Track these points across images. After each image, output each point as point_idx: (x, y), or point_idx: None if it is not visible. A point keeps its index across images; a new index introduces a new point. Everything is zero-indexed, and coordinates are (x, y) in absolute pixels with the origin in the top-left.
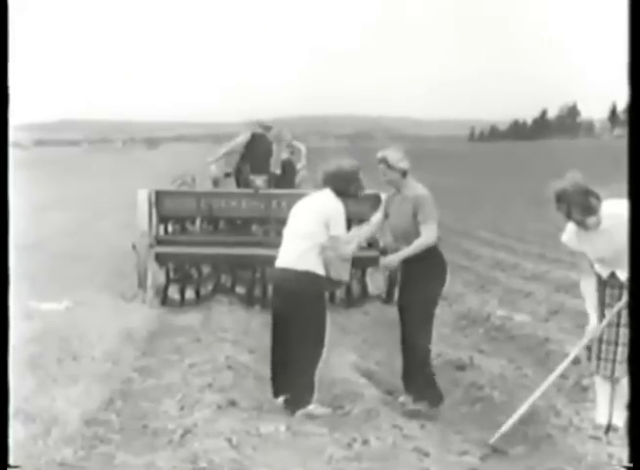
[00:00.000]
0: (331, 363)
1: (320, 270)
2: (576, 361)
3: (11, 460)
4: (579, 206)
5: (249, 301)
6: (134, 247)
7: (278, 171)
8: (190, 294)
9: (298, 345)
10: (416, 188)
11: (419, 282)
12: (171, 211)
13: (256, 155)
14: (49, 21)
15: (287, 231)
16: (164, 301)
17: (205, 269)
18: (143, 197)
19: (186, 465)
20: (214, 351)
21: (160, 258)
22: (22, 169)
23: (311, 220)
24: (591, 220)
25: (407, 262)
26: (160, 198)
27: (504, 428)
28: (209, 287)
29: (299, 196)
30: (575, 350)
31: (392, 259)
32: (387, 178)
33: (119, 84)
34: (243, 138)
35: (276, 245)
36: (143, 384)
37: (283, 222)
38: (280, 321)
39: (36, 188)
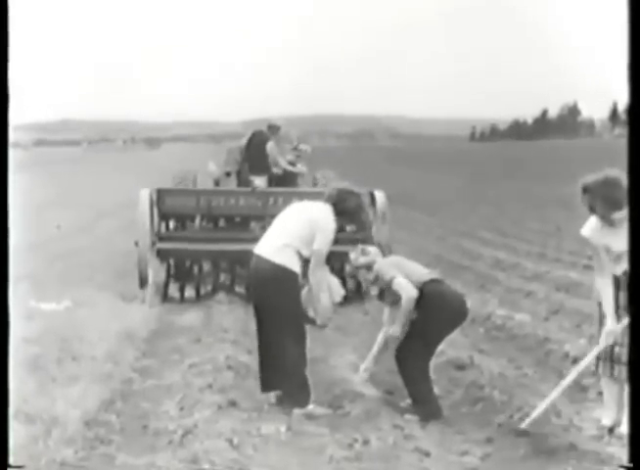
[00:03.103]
0: (331, 363)
1: (295, 267)
2: (576, 361)
3: (11, 460)
4: (604, 199)
5: (248, 298)
6: (136, 243)
7: (279, 172)
8: (190, 291)
9: (278, 339)
10: (379, 262)
11: (415, 325)
12: (172, 209)
13: (254, 153)
14: (49, 21)
15: (275, 222)
16: (165, 297)
17: (206, 267)
18: (145, 195)
19: (186, 466)
20: (215, 351)
21: (162, 254)
22: (22, 170)
23: (301, 225)
24: (616, 216)
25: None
26: (161, 196)
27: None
28: (209, 287)
29: (295, 194)
30: (593, 352)
31: (395, 329)
32: (369, 280)
33: (120, 84)
34: (244, 139)
35: None
36: (143, 384)
37: None
38: (258, 313)
39: (36, 188)
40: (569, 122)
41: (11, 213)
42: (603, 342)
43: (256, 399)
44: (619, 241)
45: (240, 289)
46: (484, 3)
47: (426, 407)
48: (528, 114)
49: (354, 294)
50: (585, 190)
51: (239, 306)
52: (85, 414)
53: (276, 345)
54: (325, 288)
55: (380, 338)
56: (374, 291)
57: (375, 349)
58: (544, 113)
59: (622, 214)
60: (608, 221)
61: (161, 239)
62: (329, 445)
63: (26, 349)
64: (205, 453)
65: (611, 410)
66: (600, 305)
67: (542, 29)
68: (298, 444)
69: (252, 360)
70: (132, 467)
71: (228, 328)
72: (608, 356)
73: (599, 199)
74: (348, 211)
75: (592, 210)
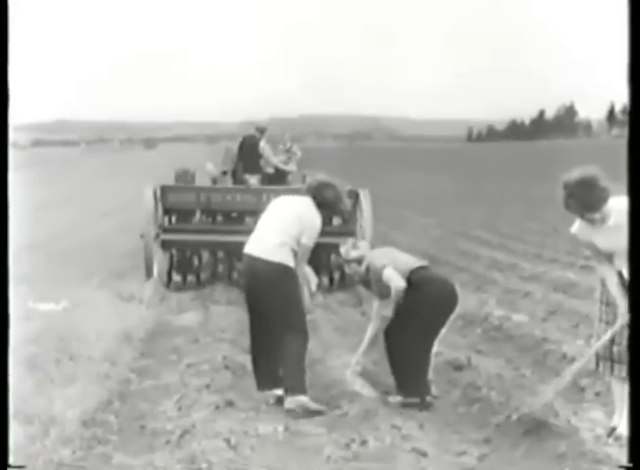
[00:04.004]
0: (328, 364)
1: (292, 264)
2: (574, 361)
3: (11, 460)
4: (577, 200)
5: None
6: (142, 236)
7: (271, 170)
8: (191, 279)
9: (285, 336)
10: (370, 254)
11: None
12: (174, 204)
13: (247, 155)
14: (48, 20)
15: (265, 221)
16: (169, 283)
17: (205, 257)
18: (149, 192)
19: (184, 466)
20: (212, 351)
21: (165, 245)
22: (20, 170)
23: (290, 222)
24: (593, 216)
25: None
26: (164, 192)
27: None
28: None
29: (286, 191)
30: (610, 332)
31: (387, 311)
32: (354, 273)
33: (117, 84)
34: (238, 143)
35: None
36: (141, 384)
37: None
38: (257, 312)
39: (34, 188)
40: (566, 123)
41: (10, 214)
42: (619, 323)
43: (254, 398)
44: (602, 240)
45: (236, 276)
46: (484, 3)
47: (410, 387)
48: (526, 114)
49: (339, 283)
50: (562, 188)
51: (237, 307)
52: (83, 414)
53: (283, 342)
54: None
55: (369, 332)
56: (357, 277)
57: (365, 342)
58: (541, 113)
59: (600, 215)
60: (586, 220)
61: (165, 231)
62: (326, 445)
63: (25, 349)
64: (203, 453)
65: (620, 410)
66: (601, 304)
67: (539, 30)
68: (296, 443)
69: (250, 361)
70: (130, 467)
71: (226, 328)
72: (608, 356)
73: (573, 199)
74: (328, 202)
75: (567, 208)
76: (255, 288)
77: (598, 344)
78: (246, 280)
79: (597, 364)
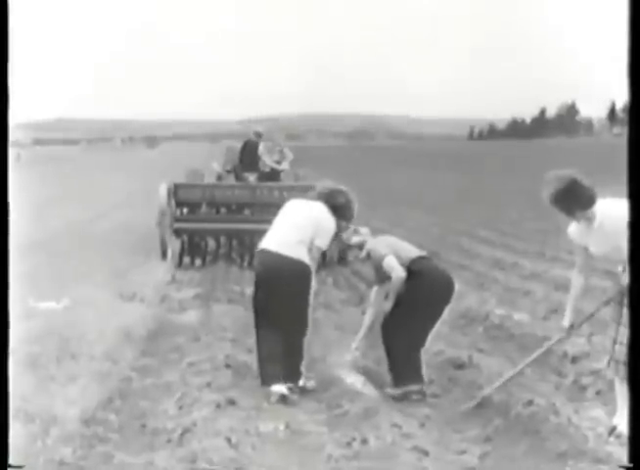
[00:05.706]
0: (329, 362)
1: (308, 261)
2: (575, 360)
3: (11, 460)
4: (561, 208)
5: (240, 264)
6: (158, 225)
7: (266, 169)
8: (198, 261)
9: (299, 330)
10: (371, 241)
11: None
12: (184, 199)
13: (247, 156)
14: (49, 19)
15: (283, 221)
16: (180, 264)
17: (210, 243)
18: (163, 188)
19: (185, 464)
20: (213, 349)
21: (177, 232)
22: (21, 168)
23: (309, 223)
24: (578, 216)
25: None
26: (176, 189)
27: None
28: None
29: (277, 187)
30: (549, 344)
31: (387, 305)
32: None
33: (118, 83)
34: (239, 145)
35: (259, 222)
36: (142, 383)
37: (265, 205)
38: (267, 305)
39: (34, 187)
40: (567, 122)
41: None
42: (561, 335)
43: (255, 397)
44: (594, 241)
45: (235, 256)
46: (485, 3)
47: (401, 375)
48: (527, 113)
49: (321, 264)
50: (554, 185)
51: (238, 306)
52: (84, 413)
53: (299, 335)
54: None
55: (367, 317)
56: (351, 257)
57: (363, 328)
58: (542, 112)
59: (583, 215)
60: (576, 219)
61: (177, 221)
62: (327, 443)
63: (25, 348)
64: (204, 452)
65: (621, 410)
66: (616, 305)
67: (541, 29)
68: (297, 442)
69: (252, 359)
70: (130, 466)
71: (227, 327)
72: (610, 355)
73: (556, 207)
74: (338, 207)
75: (555, 203)
76: (271, 281)
77: (549, 344)
78: (261, 273)
79: (608, 364)
